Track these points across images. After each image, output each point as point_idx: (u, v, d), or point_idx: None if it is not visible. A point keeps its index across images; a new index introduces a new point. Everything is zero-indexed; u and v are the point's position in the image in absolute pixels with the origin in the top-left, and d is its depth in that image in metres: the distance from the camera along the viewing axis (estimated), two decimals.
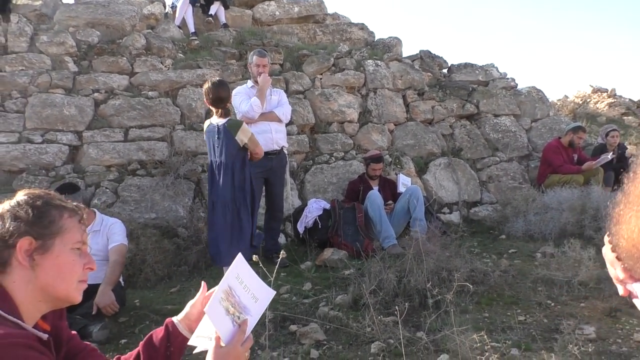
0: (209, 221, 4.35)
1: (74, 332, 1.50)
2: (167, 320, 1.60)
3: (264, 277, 1.64)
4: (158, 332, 1.57)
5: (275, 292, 1.65)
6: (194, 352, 1.52)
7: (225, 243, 4.10)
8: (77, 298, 1.33)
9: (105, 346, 3.29)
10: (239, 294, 1.49)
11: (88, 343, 1.56)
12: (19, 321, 1.19)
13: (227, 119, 4.22)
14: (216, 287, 1.51)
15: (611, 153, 6.71)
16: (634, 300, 0.91)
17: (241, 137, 3.98)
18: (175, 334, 1.56)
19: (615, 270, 0.87)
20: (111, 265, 3.72)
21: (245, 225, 3.96)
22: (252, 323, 1.50)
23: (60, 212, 1.31)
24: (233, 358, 1.41)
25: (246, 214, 3.99)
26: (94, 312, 3.50)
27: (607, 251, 0.87)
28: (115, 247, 3.85)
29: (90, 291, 1.40)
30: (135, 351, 1.56)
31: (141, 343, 1.57)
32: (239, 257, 1.53)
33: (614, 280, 0.91)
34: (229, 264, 3.81)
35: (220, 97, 4.28)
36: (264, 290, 1.60)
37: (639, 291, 0.81)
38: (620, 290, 0.90)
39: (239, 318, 1.46)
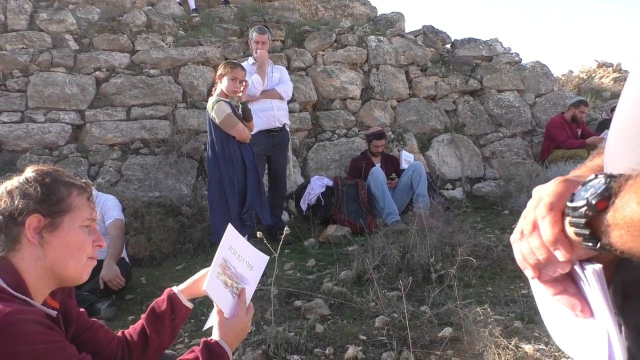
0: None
1: (82, 309, 1.52)
2: (168, 291, 1.62)
3: (267, 254, 1.65)
4: (160, 304, 1.59)
5: (268, 258, 1.66)
6: (204, 329, 1.54)
7: (214, 219, 4.11)
8: (85, 276, 1.34)
9: (113, 323, 3.34)
10: (234, 264, 1.51)
11: (96, 320, 1.58)
12: (27, 298, 1.20)
13: (213, 95, 4.19)
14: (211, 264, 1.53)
15: None
16: (582, 284, 0.75)
17: (212, 115, 3.95)
18: (179, 306, 1.59)
19: (555, 251, 0.73)
20: (112, 239, 3.77)
21: (230, 203, 3.94)
22: (250, 291, 1.53)
23: (69, 189, 1.31)
24: (240, 330, 1.44)
25: (231, 192, 3.96)
26: (101, 287, 3.56)
27: (549, 228, 0.73)
28: (112, 223, 3.90)
29: (96, 267, 1.41)
30: (139, 325, 1.58)
31: (143, 316, 1.59)
32: (229, 228, 1.54)
33: (529, 261, 0.78)
34: (218, 240, 3.84)
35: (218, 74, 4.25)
36: (258, 257, 1.62)
37: (588, 274, 0.71)
38: (530, 273, 0.79)
39: (237, 289, 1.48)
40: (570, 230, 0.70)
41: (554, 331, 0.84)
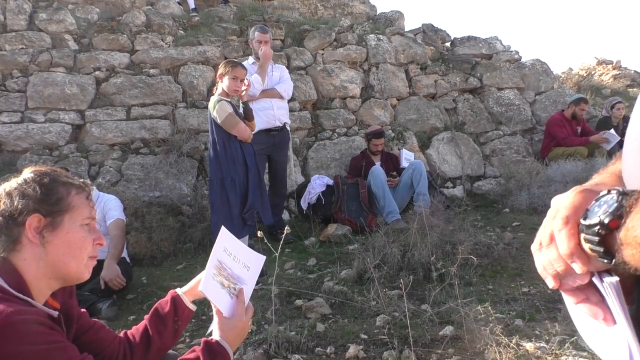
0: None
1: (83, 309, 1.52)
2: (172, 293, 1.62)
3: (268, 254, 1.65)
4: (164, 305, 1.59)
5: (265, 257, 1.66)
6: (206, 334, 1.54)
7: (216, 218, 4.11)
8: (86, 275, 1.35)
9: (114, 322, 3.34)
10: (230, 266, 1.51)
11: (97, 320, 1.58)
12: (28, 299, 1.20)
13: (215, 95, 4.19)
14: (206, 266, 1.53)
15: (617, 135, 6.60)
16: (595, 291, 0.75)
17: (214, 115, 3.95)
18: (181, 308, 1.59)
19: (572, 264, 0.72)
20: (113, 239, 3.78)
21: (232, 203, 3.95)
22: (248, 291, 1.54)
23: (68, 189, 1.32)
24: (240, 329, 1.45)
25: (233, 191, 3.96)
26: (102, 287, 3.56)
27: (565, 242, 0.72)
28: (113, 222, 3.91)
29: (97, 267, 1.41)
30: (141, 325, 1.58)
31: (147, 317, 1.59)
32: (223, 230, 1.54)
33: (549, 272, 0.77)
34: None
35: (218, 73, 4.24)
36: (254, 258, 1.63)
37: (606, 286, 0.70)
38: (551, 283, 0.78)
39: (234, 289, 1.49)
40: (586, 246, 0.70)
41: (583, 331, 0.83)
